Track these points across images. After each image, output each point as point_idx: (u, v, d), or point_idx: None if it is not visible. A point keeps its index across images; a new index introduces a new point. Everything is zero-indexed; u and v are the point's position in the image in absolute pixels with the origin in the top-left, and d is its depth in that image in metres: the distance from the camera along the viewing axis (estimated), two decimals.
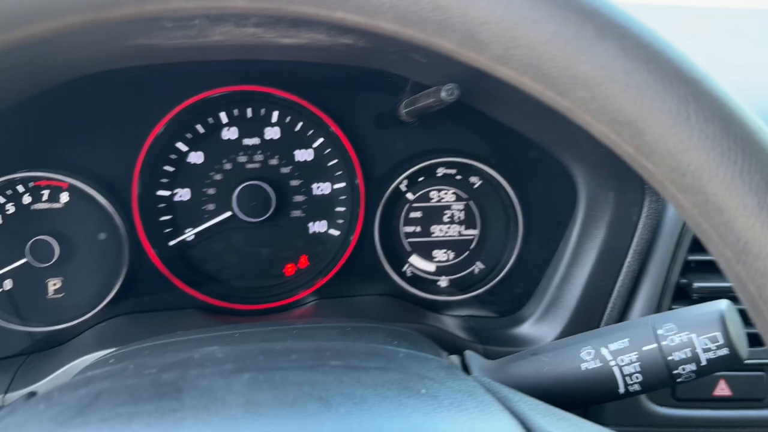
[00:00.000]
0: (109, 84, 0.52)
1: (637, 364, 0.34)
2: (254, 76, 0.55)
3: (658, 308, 0.50)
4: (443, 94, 0.44)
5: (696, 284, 0.51)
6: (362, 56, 0.48)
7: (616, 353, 0.35)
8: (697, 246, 0.51)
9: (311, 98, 0.56)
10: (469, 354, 0.41)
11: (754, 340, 0.35)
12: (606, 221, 0.47)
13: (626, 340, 0.34)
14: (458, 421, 0.26)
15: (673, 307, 0.52)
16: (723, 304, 0.34)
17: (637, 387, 0.34)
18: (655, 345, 0.34)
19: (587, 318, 0.50)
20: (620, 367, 0.34)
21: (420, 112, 0.52)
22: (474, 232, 0.62)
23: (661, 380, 0.34)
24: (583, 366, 0.35)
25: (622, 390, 0.34)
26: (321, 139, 0.58)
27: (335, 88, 0.55)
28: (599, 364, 0.35)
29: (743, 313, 0.38)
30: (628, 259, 0.49)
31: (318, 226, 0.59)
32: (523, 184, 0.57)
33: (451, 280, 0.64)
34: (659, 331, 0.34)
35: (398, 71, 0.51)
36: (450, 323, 0.57)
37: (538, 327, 0.52)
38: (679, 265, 0.51)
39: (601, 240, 0.48)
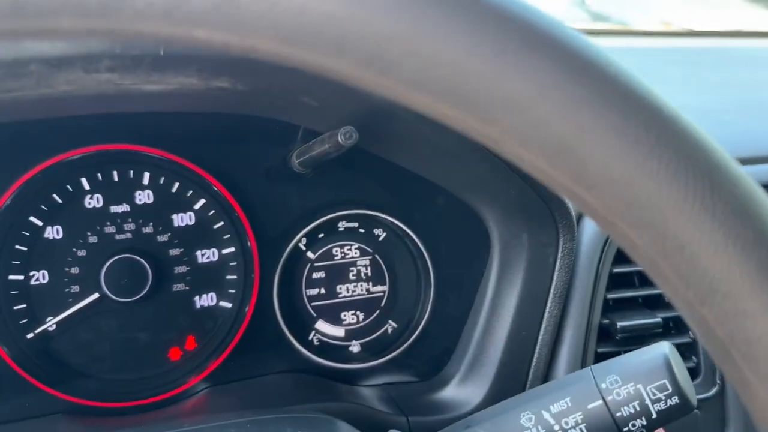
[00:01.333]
0: None
1: (583, 426, 0.30)
2: (119, 133, 0.48)
3: (584, 353, 0.47)
4: (340, 139, 0.40)
5: (620, 324, 0.48)
6: (243, 102, 0.42)
7: (558, 416, 0.30)
8: (613, 284, 0.49)
9: (188, 154, 0.49)
10: None
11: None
12: (522, 266, 0.44)
13: (568, 399, 0.30)
14: None
15: (599, 350, 0.49)
16: (665, 347, 0.31)
17: None
18: (600, 402, 0.30)
19: (514, 371, 0.45)
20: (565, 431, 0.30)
21: (315, 162, 0.47)
22: (383, 288, 0.57)
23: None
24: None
25: None
26: (203, 200, 0.51)
27: (216, 142, 0.49)
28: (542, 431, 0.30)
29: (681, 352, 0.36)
30: (549, 303, 0.46)
31: (206, 300, 0.51)
32: (431, 233, 0.53)
33: (362, 344, 0.58)
34: (602, 385, 0.30)
35: (287, 118, 0.46)
36: (367, 395, 0.51)
37: (463, 388, 0.47)
38: (599, 304, 0.48)
39: (519, 286, 0.44)
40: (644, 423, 0.29)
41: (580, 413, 0.29)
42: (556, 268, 0.44)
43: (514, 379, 0.45)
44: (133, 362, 0.50)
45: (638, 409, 0.29)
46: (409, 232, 0.55)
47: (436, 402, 0.48)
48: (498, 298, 0.46)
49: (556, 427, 0.30)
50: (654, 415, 0.29)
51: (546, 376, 0.46)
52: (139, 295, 0.49)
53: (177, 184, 0.52)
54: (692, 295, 0.19)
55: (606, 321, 0.48)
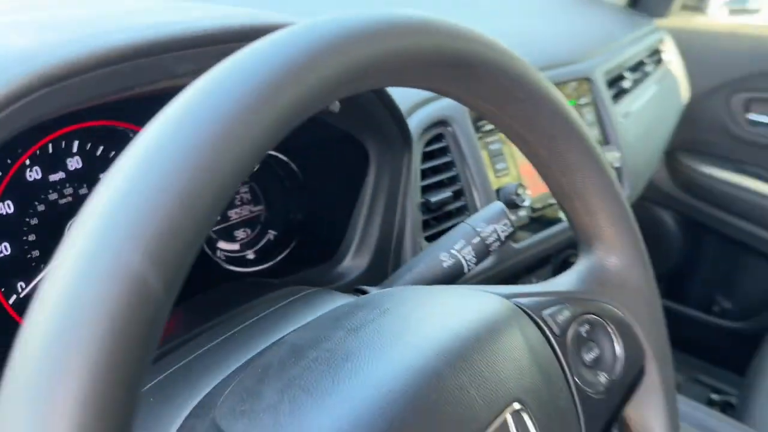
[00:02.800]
0: None
1: (472, 252, 0.55)
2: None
3: (423, 225, 0.73)
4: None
5: (433, 199, 0.75)
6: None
7: (459, 250, 0.55)
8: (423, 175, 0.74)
9: (111, 116, 0.57)
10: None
11: None
12: (388, 173, 0.66)
13: (462, 241, 0.55)
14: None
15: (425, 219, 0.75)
16: (499, 204, 0.58)
17: (472, 265, 0.55)
18: (478, 238, 0.55)
19: (386, 244, 0.68)
20: (464, 257, 0.55)
21: None
22: (260, 207, 0.74)
23: (483, 255, 0.56)
24: (444, 264, 0.54)
25: (466, 270, 0.55)
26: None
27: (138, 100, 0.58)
28: (453, 260, 0.54)
29: None
30: (400, 196, 0.69)
31: None
32: (307, 157, 0.70)
33: (255, 252, 0.74)
34: (478, 228, 0.55)
35: None
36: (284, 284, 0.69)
37: (353, 262, 0.69)
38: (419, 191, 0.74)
39: (386, 188, 0.66)
40: (498, 244, 0.56)
41: (470, 246, 0.55)
42: (403, 171, 0.67)
43: (386, 250, 0.69)
44: None
45: (495, 237, 0.56)
46: (282, 158, 0.72)
47: (337, 273, 0.69)
48: (373, 200, 0.67)
49: (459, 256, 0.54)
50: (502, 239, 0.56)
51: (402, 243, 0.70)
52: None
53: (101, 148, 0.59)
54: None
55: (423, 200, 0.74)
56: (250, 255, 0.73)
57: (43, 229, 0.54)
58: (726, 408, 1.42)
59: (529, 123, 0.38)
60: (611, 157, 0.89)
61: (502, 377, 0.34)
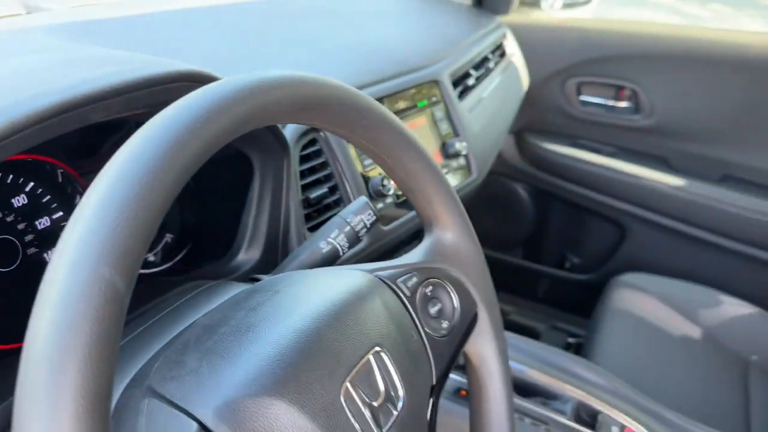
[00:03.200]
0: None
1: (345, 239, 0.67)
2: None
3: (306, 218, 0.84)
4: None
5: (312, 195, 0.86)
6: None
7: (334, 238, 0.67)
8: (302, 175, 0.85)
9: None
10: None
11: None
12: (271, 178, 0.76)
13: (336, 230, 0.67)
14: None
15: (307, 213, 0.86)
16: (363, 198, 0.70)
17: (346, 249, 0.68)
18: (349, 227, 0.67)
19: (274, 239, 0.79)
20: (339, 244, 0.67)
21: None
22: None
23: (354, 240, 0.68)
24: (323, 251, 0.66)
25: (341, 253, 0.67)
26: (31, 183, 0.66)
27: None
28: (330, 247, 0.66)
29: None
30: (284, 195, 0.80)
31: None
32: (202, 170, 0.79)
33: (154, 254, 0.82)
34: (348, 219, 0.68)
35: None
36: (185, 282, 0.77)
37: (246, 255, 0.79)
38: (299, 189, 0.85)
39: (270, 191, 0.77)
40: (365, 230, 0.69)
41: (342, 234, 0.67)
42: (284, 174, 0.78)
43: (275, 242, 0.79)
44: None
45: (363, 224, 0.68)
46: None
47: (233, 267, 0.78)
48: (259, 200, 0.77)
49: (334, 243, 0.67)
50: (368, 226, 0.69)
51: (288, 236, 0.81)
52: (13, 266, 0.64)
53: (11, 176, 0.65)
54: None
55: (304, 197, 0.85)
56: (151, 257, 0.81)
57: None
58: (579, 349, 1.66)
59: (374, 142, 0.50)
60: (459, 146, 1.05)
61: (365, 330, 0.46)
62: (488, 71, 1.36)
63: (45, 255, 0.67)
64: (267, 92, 0.40)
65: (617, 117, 1.65)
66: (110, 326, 0.29)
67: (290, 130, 0.81)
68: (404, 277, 0.55)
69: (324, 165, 0.87)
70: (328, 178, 0.88)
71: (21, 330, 0.29)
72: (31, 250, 0.66)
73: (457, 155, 1.05)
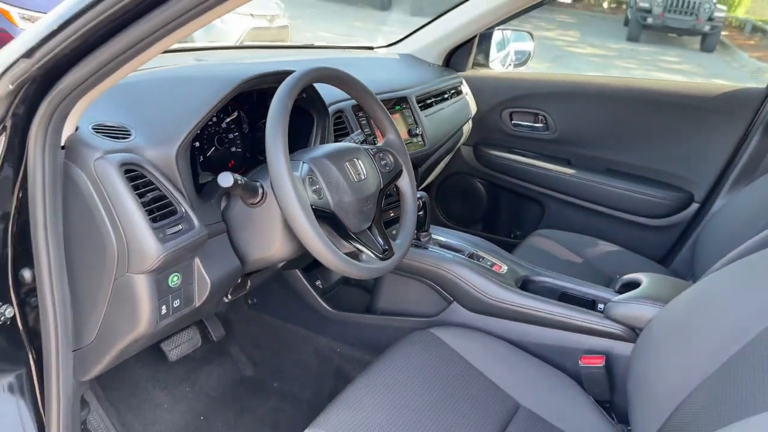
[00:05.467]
0: None
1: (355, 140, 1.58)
2: None
3: None
4: None
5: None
6: None
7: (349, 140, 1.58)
8: None
9: None
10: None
11: None
12: (321, 127, 1.69)
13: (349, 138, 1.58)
14: None
15: None
16: (359, 132, 1.61)
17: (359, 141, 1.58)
18: (353, 139, 1.59)
19: None
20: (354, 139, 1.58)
21: None
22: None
23: (360, 142, 1.59)
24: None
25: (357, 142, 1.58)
26: None
27: None
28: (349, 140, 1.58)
29: None
30: (327, 136, 1.71)
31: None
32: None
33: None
34: (354, 139, 1.59)
35: None
36: None
37: None
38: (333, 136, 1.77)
39: (320, 132, 1.69)
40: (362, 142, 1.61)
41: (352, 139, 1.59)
42: (327, 126, 1.71)
43: None
44: None
45: (363, 137, 1.60)
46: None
47: None
48: (315, 138, 1.69)
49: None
50: (361, 141, 1.61)
51: None
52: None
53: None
54: None
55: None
56: None
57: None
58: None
59: (358, 98, 1.44)
60: (417, 131, 1.98)
61: (368, 173, 1.39)
62: (444, 100, 2.32)
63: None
64: (312, 71, 1.33)
65: (536, 133, 2.57)
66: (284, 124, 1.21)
67: (330, 109, 1.75)
68: (374, 151, 1.46)
69: (344, 128, 1.80)
70: (345, 134, 1.82)
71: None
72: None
73: (416, 135, 1.98)
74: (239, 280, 1.33)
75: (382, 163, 1.30)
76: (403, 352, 1.34)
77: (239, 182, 1.12)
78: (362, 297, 1.85)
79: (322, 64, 1.29)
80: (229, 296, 1.35)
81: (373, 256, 1.27)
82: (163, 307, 1.11)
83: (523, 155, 2.59)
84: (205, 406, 1.79)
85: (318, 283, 1.77)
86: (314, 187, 1.19)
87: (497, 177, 2.54)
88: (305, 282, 1.75)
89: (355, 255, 1.26)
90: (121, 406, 1.59)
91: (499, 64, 2.70)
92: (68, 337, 1.03)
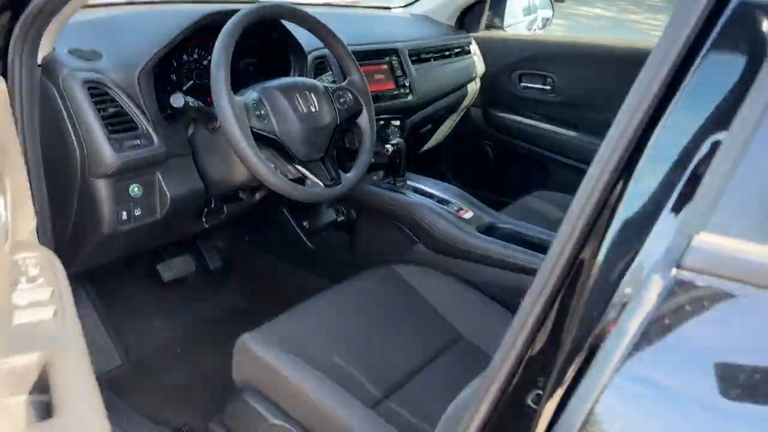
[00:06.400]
0: None
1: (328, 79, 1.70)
2: None
3: None
4: None
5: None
6: None
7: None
8: None
9: None
10: None
11: None
12: (298, 68, 1.81)
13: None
14: None
15: None
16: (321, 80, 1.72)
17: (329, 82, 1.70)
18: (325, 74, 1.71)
19: None
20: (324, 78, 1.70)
21: None
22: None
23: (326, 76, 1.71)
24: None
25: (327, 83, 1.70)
26: None
27: None
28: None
29: None
30: (306, 75, 1.84)
31: None
32: (266, 60, 1.87)
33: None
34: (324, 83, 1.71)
35: None
36: None
37: None
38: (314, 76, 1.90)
39: (298, 73, 1.81)
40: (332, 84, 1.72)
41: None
42: (305, 69, 1.83)
43: None
44: None
45: (331, 80, 1.72)
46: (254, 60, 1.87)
47: None
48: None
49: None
50: (331, 83, 1.72)
51: None
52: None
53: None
54: None
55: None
56: None
57: None
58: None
59: (319, 35, 1.55)
60: (405, 82, 2.06)
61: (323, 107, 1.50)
62: (445, 57, 2.38)
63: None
64: (259, 7, 1.45)
65: (543, 95, 2.59)
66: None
67: (311, 56, 1.86)
68: (333, 89, 1.56)
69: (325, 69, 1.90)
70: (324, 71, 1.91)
71: None
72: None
73: (403, 86, 2.07)
74: (212, 205, 1.47)
75: (341, 101, 1.42)
76: (360, 282, 1.46)
77: (191, 104, 1.26)
78: (347, 239, 1.97)
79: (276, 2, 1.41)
80: (205, 220, 1.50)
81: (321, 184, 1.39)
82: (124, 212, 1.27)
83: (531, 117, 2.61)
84: (197, 327, 1.97)
85: (305, 224, 1.90)
86: (258, 113, 1.32)
87: (505, 139, 2.61)
88: (293, 222, 1.89)
89: (301, 181, 1.38)
90: (113, 315, 1.79)
91: (525, 28, 2.73)
92: (47, 235, 1.21)
